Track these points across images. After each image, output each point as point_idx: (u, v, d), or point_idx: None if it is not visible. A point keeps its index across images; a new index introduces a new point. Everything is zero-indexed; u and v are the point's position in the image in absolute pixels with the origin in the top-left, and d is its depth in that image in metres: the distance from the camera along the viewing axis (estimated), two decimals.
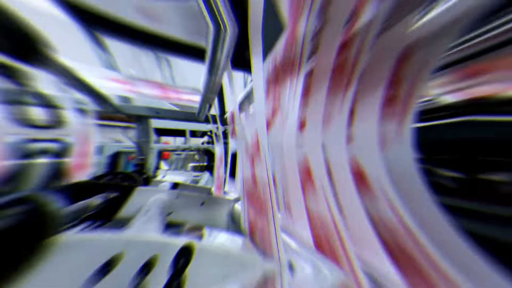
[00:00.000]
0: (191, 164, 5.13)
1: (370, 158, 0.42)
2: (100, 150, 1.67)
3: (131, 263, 0.32)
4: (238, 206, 0.86)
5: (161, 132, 5.26)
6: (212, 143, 4.38)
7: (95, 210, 0.64)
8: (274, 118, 0.61)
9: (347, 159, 0.44)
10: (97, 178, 0.90)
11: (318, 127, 0.45)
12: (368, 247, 0.43)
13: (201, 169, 4.87)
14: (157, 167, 5.03)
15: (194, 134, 5.44)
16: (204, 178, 3.93)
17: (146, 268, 0.32)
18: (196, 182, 3.83)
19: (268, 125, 0.63)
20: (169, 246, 0.34)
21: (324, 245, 0.46)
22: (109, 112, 1.40)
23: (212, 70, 0.80)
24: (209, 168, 4.65)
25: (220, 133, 1.22)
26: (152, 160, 4.40)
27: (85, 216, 0.59)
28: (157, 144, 4.68)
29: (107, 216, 0.72)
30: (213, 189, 1.30)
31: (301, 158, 0.48)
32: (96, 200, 0.65)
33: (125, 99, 1.72)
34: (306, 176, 0.48)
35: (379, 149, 0.41)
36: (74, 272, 0.30)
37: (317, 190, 0.45)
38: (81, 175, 0.98)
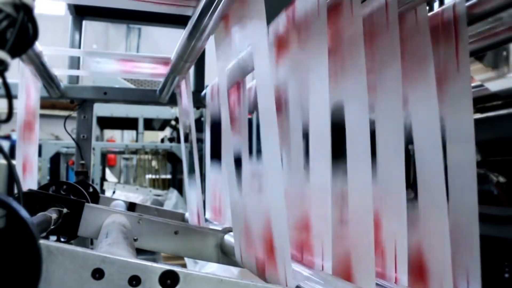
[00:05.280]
0: (147, 176, 5.11)
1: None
2: (39, 150, 1.77)
3: (114, 277, 0.42)
4: (229, 237, 0.96)
5: (105, 122, 5.28)
6: (178, 140, 4.33)
7: (54, 225, 0.75)
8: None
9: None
10: (42, 188, 1.02)
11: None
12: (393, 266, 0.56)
13: (163, 184, 4.88)
14: (103, 178, 5.06)
15: (150, 125, 5.39)
16: (171, 199, 4.00)
17: (134, 281, 0.42)
18: (160, 203, 3.89)
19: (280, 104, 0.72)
20: (149, 268, 0.43)
21: (344, 271, 0.57)
22: (53, 98, 1.51)
23: (194, 34, 0.89)
24: (177, 184, 4.65)
25: (191, 122, 1.20)
26: (95, 166, 4.40)
27: (49, 230, 0.71)
28: (98, 143, 4.74)
29: (69, 233, 0.88)
30: (186, 215, 1.37)
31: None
32: (51, 214, 0.75)
33: (73, 80, 1.83)
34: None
35: None
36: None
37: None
38: (28, 183, 1.09)
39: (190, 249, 1.00)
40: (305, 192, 0.64)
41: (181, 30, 0.97)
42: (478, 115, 1.15)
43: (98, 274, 0.42)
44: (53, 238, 0.89)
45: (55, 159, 4.70)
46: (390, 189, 0.58)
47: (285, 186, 0.62)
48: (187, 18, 0.87)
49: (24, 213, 0.35)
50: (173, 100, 1.49)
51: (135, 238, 0.94)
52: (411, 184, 0.59)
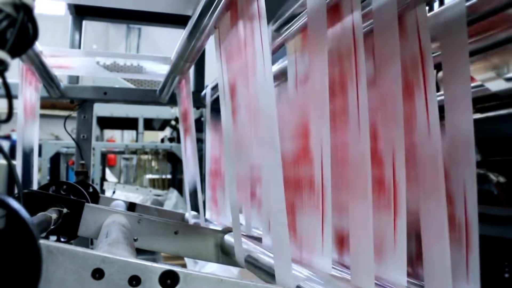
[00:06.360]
0: (147, 176, 5.12)
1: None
2: (39, 150, 1.78)
3: (114, 277, 0.42)
4: (229, 237, 0.96)
5: (105, 122, 5.28)
6: (178, 140, 4.34)
7: (54, 225, 0.76)
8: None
9: None
10: (42, 188, 1.03)
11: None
12: (391, 266, 0.57)
13: (163, 184, 4.88)
14: (103, 178, 5.05)
15: (150, 125, 5.40)
16: (171, 199, 4.00)
17: (134, 281, 0.42)
18: (160, 203, 3.90)
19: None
20: (149, 268, 0.43)
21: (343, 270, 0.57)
22: (53, 98, 1.51)
23: (194, 34, 0.89)
24: (177, 184, 4.66)
25: (191, 122, 1.21)
26: (95, 167, 4.41)
27: (49, 230, 0.71)
28: (98, 143, 4.73)
29: (69, 233, 0.88)
30: (186, 215, 1.37)
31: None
32: (51, 214, 0.75)
33: (73, 80, 1.83)
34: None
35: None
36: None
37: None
38: (28, 183, 1.09)
39: (190, 249, 1.00)
40: (306, 191, 0.64)
41: (181, 30, 0.97)
42: (478, 115, 1.15)
43: (98, 274, 0.42)
44: (53, 238, 0.89)
45: (55, 159, 4.70)
46: (389, 188, 0.58)
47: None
48: (187, 18, 0.87)
49: (24, 213, 0.35)
50: (173, 100, 1.49)
51: (135, 238, 0.94)
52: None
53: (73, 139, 1.64)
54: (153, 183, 4.95)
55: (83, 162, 1.56)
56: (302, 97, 0.66)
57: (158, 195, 4.26)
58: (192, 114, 1.21)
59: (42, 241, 0.38)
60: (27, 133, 1.16)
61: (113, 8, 1.82)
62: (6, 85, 0.36)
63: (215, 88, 1.37)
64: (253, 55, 0.60)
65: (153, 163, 4.98)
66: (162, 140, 5.50)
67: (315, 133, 0.60)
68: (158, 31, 8.01)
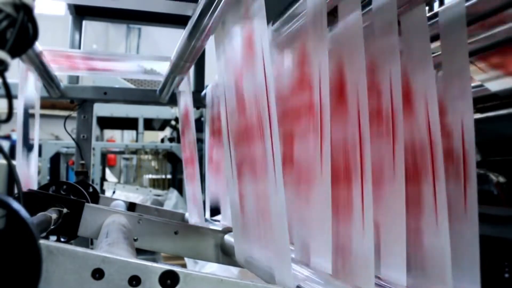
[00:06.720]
0: (147, 176, 5.11)
1: None
2: (39, 150, 1.78)
3: (114, 277, 0.42)
4: (229, 237, 0.96)
5: (105, 122, 5.28)
6: (178, 140, 4.36)
7: (54, 225, 0.76)
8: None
9: None
10: (42, 188, 1.03)
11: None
12: (393, 266, 0.56)
13: (163, 184, 4.88)
14: (103, 178, 5.06)
15: (150, 125, 5.40)
16: (171, 199, 4.01)
17: (134, 281, 0.42)
18: (160, 203, 3.90)
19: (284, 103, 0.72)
20: (149, 268, 0.43)
21: (343, 271, 0.57)
22: (53, 98, 1.51)
23: (194, 34, 0.89)
24: (177, 184, 4.66)
25: (191, 122, 1.21)
26: (95, 167, 4.41)
27: (49, 230, 0.71)
28: (98, 143, 4.74)
29: (69, 233, 0.89)
30: (186, 215, 1.37)
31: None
32: (51, 214, 0.75)
33: (73, 80, 1.83)
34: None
35: None
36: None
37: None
38: (28, 183, 1.09)
39: (190, 249, 1.00)
40: (305, 192, 0.64)
41: (181, 30, 0.97)
42: (478, 115, 1.15)
43: (98, 274, 0.42)
44: (53, 238, 0.89)
45: (55, 159, 4.70)
46: (389, 188, 0.58)
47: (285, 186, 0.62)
48: (187, 18, 0.87)
49: (24, 213, 0.35)
50: (173, 100, 1.49)
51: (135, 238, 0.94)
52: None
53: (73, 139, 1.64)
54: (153, 183, 4.95)
55: (83, 162, 1.56)
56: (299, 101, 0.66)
57: (158, 195, 4.26)
58: (192, 114, 1.21)
59: (42, 241, 0.38)
60: (27, 133, 1.16)
61: (113, 8, 1.81)
62: (6, 85, 0.36)
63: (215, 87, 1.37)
64: (253, 55, 0.60)
65: (153, 163, 4.98)
66: (162, 140, 5.50)
67: (314, 132, 0.60)
68: (158, 31, 8.00)
